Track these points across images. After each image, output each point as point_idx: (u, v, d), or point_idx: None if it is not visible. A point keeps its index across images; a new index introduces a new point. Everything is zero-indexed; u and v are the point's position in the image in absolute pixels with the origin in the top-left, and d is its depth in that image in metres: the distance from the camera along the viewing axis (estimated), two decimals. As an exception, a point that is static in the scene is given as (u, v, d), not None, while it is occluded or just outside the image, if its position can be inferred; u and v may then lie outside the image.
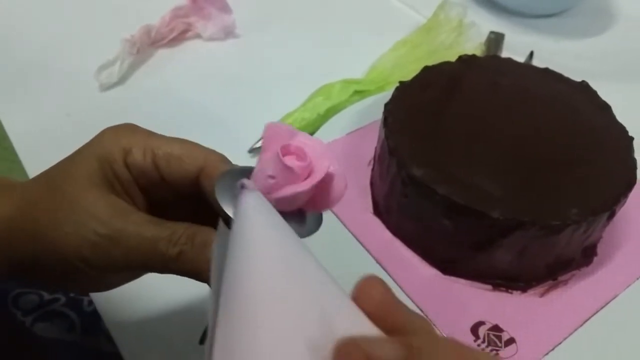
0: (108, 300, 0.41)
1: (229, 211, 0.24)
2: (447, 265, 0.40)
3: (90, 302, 0.47)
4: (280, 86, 0.58)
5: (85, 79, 0.56)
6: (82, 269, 0.26)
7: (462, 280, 0.40)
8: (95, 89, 0.56)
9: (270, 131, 0.24)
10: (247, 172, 0.25)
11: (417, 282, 0.39)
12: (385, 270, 0.40)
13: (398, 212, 0.40)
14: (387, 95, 0.44)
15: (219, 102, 0.57)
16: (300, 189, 0.24)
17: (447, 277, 0.40)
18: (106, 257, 0.26)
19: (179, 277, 0.27)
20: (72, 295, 0.47)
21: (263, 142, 0.24)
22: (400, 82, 0.44)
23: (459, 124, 0.41)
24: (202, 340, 0.30)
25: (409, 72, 0.45)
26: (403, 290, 0.39)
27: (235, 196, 0.23)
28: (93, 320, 0.45)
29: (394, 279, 0.39)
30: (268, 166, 0.24)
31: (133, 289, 0.38)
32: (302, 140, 0.25)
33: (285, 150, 0.24)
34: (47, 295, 0.46)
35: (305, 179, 0.24)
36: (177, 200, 0.26)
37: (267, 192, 0.24)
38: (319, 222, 0.26)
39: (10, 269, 0.28)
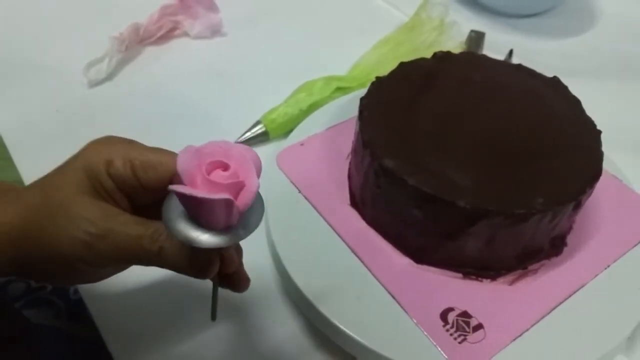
0: (92, 289, 0.42)
1: (174, 223, 0.27)
2: (420, 254, 0.41)
3: (76, 291, 0.48)
4: (264, 82, 0.60)
5: (74, 75, 0.57)
6: (76, 264, 0.29)
7: (433, 269, 0.41)
8: (83, 85, 0.58)
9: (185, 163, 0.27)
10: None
11: (390, 270, 0.41)
12: (360, 259, 0.41)
13: (372, 203, 0.42)
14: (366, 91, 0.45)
15: (206, 98, 0.58)
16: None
17: (419, 265, 0.41)
18: (97, 253, 0.29)
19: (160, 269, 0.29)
20: (58, 283, 0.48)
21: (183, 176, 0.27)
22: (376, 77, 0.45)
23: (432, 117, 0.42)
24: (213, 317, 0.33)
25: (390, 69, 0.47)
26: (377, 278, 0.40)
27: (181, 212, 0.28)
28: (78, 307, 0.46)
29: (368, 268, 0.41)
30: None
31: (117, 278, 0.39)
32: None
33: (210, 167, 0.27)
34: (34, 284, 0.48)
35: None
36: (157, 202, 0.29)
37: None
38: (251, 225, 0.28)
39: (11, 267, 0.31)
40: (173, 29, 0.64)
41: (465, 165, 0.39)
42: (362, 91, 0.54)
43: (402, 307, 0.39)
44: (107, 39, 0.59)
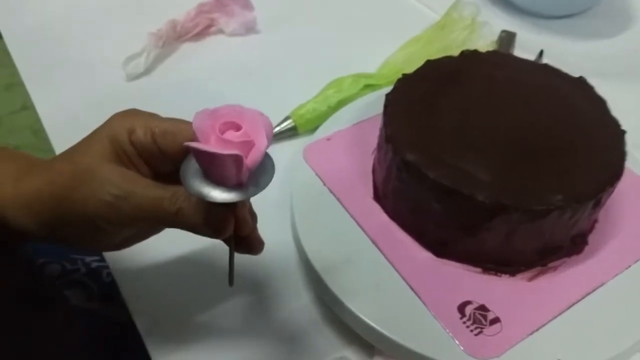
0: (125, 271, 0.44)
1: (192, 183, 0.29)
2: (440, 247, 0.42)
3: (109, 274, 0.50)
4: (295, 79, 0.61)
5: (113, 70, 0.60)
6: (100, 224, 0.32)
7: (453, 263, 0.42)
8: (122, 79, 0.60)
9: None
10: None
11: (410, 263, 0.42)
12: (381, 251, 0.42)
13: (394, 197, 0.43)
14: (393, 89, 0.46)
15: (238, 93, 0.60)
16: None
17: (439, 259, 0.42)
18: (119, 213, 0.31)
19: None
20: (92, 266, 0.51)
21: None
22: (403, 75, 0.46)
23: (454, 113, 0.43)
24: (230, 282, 0.35)
25: (420, 69, 0.48)
26: (397, 270, 0.41)
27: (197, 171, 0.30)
28: (111, 290, 0.48)
29: (389, 260, 0.42)
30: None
31: (149, 259, 0.41)
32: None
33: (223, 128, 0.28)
34: (68, 266, 0.50)
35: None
36: (176, 171, 0.31)
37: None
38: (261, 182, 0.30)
39: (44, 231, 0.33)
40: (209, 26, 0.66)
41: (485, 160, 0.40)
42: (390, 88, 0.55)
43: (420, 298, 0.40)
44: (146, 35, 0.61)
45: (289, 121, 0.56)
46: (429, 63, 0.47)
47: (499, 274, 0.41)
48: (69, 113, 0.57)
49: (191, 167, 0.30)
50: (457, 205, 0.38)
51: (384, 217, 0.44)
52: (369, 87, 0.58)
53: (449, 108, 0.43)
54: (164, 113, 0.55)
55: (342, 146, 0.50)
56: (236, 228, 0.32)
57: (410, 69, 0.61)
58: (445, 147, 0.40)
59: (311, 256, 0.41)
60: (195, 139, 0.28)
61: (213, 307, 0.43)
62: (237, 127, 0.29)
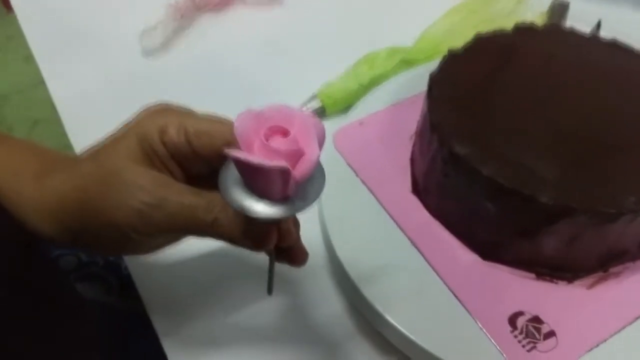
0: (141, 264, 0.41)
1: (231, 192, 0.26)
2: (488, 250, 0.37)
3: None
4: (323, 54, 0.57)
5: (128, 44, 0.57)
6: (130, 234, 0.29)
7: (503, 267, 0.37)
8: (138, 53, 0.56)
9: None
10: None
11: (454, 266, 0.37)
12: (421, 253, 0.38)
13: (437, 192, 0.38)
14: (435, 64, 0.41)
15: (261, 69, 0.56)
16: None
17: (487, 262, 0.37)
18: (151, 222, 0.28)
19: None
20: (110, 258, 0.48)
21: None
22: (449, 51, 0.41)
23: (510, 99, 0.38)
24: (269, 291, 0.33)
25: (462, 41, 0.43)
26: (438, 274, 0.37)
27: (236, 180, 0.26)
28: (131, 283, 0.46)
29: (429, 262, 0.37)
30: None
31: (168, 255, 0.38)
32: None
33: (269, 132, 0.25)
34: (85, 258, 0.48)
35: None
36: (212, 173, 0.28)
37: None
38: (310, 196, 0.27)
39: (66, 237, 0.31)
40: (230, -5, 0.62)
41: (547, 155, 0.35)
42: (430, 65, 0.49)
43: (465, 307, 0.35)
44: (163, 6, 0.57)
45: (316, 101, 0.51)
46: (478, 38, 0.41)
47: (554, 280, 0.37)
48: (81, 90, 0.54)
49: (230, 174, 0.26)
50: (514, 206, 0.33)
51: (424, 214, 0.40)
52: (405, 63, 0.53)
53: (503, 92, 0.38)
54: (182, 90, 0.52)
55: (376, 131, 0.45)
56: (278, 239, 0.29)
57: (452, 42, 0.55)
58: (501, 139, 0.35)
59: (341, 256, 0.37)
60: (235, 143, 0.24)
61: (233, 307, 0.40)
62: (285, 132, 0.25)
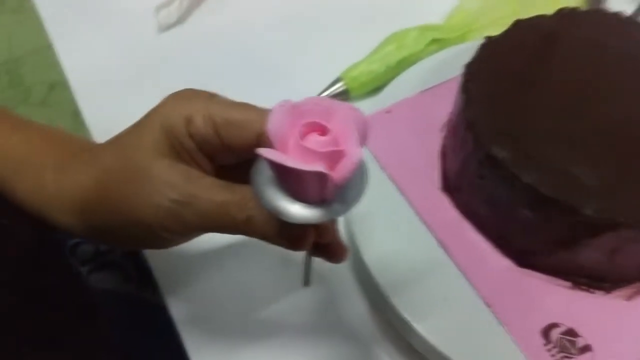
0: (159, 253, 0.40)
1: (264, 193, 0.24)
2: (523, 256, 0.35)
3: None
4: (347, 32, 0.53)
5: (143, 19, 0.54)
6: (157, 232, 0.28)
7: (538, 275, 0.35)
8: (153, 29, 0.54)
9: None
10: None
11: (485, 271, 0.35)
12: (449, 255, 0.36)
13: (470, 193, 0.36)
14: (469, 46, 0.38)
15: (281, 47, 0.53)
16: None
17: (521, 269, 0.35)
18: (180, 221, 0.27)
19: (239, 240, 0.29)
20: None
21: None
22: (487, 38, 0.38)
23: (552, 95, 0.35)
24: (307, 282, 0.32)
25: (498, 18, 0.39)
26: (468, 280, 0.35)
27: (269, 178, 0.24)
28: (149, 272, 0.45)
29: (459, 267, 0.35)
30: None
31: (187, 245, 0.37)
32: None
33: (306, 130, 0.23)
34: (102, 246, 0.46)
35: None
36: (243, 163, 0.26)
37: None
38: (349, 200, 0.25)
39: (88, 232, 0.30)
40: (249, -36, 0.58)
41: (591, 160, 0.32)
42: (462, 46, 0.46)
43: (496, 317, 0.34)
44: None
45: (339, 84, 0.48)
46: (518, 24, 0.38)
47: (591, 290, 0.35)
48: (95, 66, 0.52)
49: (264, 172, 0.25)
50: (554, 215, 0.31)
51: (454, 214, 0.37)
52: (437, 42, 0.50)
53: (545, 87, 0.35)
54: (198, 68, 0.49)
55: (405, 121, 0.42)
56: (315, 237, 0.27)
57: (487, 18, 0.51)
58: (542, 141, 0.32)
59: (369, 263, 0.35)
60: (266, 135, 0.22)
61: (253, 299, 0.38)
62: (322, 129, 0.23)
